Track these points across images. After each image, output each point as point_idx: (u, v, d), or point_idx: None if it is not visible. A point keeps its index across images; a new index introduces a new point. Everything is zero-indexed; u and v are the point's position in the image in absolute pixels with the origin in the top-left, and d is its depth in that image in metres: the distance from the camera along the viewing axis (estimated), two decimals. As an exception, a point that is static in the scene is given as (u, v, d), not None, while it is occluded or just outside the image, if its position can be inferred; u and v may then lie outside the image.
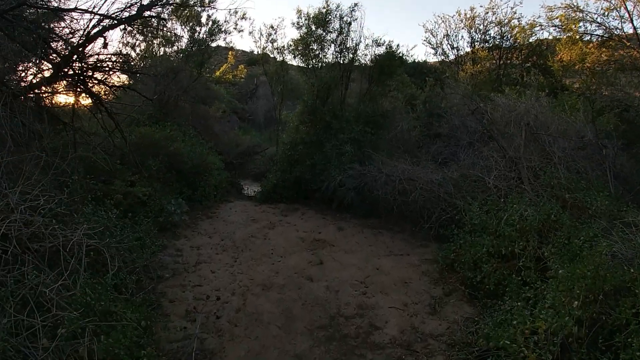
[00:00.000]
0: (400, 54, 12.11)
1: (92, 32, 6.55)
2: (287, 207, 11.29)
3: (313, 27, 11.96)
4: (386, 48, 11.95)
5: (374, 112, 11.71)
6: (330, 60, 12.08)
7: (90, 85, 6.89)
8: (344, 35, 11.83)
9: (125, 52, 13.08)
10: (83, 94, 7.11)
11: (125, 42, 13.15)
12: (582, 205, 6.73)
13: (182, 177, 10.85)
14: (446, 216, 8.30)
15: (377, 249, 8.38)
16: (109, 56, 7.07)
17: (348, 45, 12.00)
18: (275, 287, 6.42)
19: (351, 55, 12.02)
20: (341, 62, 12.01)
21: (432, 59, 17.53)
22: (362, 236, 9.18)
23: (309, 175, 11.23)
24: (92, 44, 6.77)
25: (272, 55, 13.36)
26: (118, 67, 7.18)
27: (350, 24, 11.87)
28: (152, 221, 7.98)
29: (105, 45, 6.29)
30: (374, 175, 9.73)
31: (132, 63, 12.96)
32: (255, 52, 14.10)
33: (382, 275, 7.05)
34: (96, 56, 6.88)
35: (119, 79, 8.37)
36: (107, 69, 6.93)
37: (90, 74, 6.79)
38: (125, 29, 9.46)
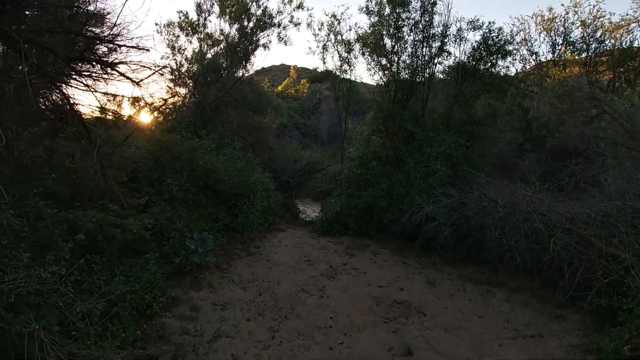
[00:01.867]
0: (503, 42, 9.09)
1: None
2: (353, 242, 8.61)
3: (387, 10, 9.25)
4: (484, 33, 9.00)
5: (470, 119, 8.78)
6: (410, 52, 9.27)
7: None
8: (428, 17, 9.00)
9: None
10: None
11: (169, 43, 11.16)
12: None
13: (219, 199, 8.56)
14: (610, 278, 5.29)
15: (494, 324, 5.54)
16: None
17: (433, 32, 9.16)
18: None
19: (438, 44, 9.16)
20: (424, 53, 9.18)
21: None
22: (464, 297, 6.32)
23: (385, 201, 8.44)
24: None
25: (334, 49, 10.78)
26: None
27: (434, 3, 9.03)
28: (157, 263, 5.77)
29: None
30: (481, 206, 6.82)
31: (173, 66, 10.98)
32: (314, 47, 11.62)
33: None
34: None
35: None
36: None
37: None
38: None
